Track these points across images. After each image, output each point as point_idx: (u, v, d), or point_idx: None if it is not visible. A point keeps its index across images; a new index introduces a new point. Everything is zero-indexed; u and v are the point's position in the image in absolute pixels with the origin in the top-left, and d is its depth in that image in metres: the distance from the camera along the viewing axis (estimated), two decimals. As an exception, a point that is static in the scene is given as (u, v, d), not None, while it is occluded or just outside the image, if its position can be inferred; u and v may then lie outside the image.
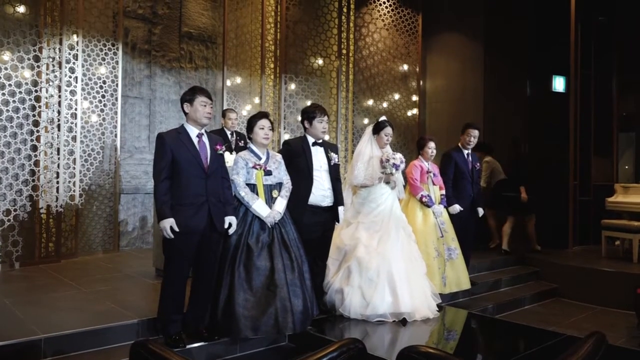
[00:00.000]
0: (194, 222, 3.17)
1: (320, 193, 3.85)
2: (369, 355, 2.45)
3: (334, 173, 3.95)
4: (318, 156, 3.89)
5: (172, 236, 3.10)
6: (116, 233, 6.13)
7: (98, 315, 3.52)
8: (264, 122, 3.60)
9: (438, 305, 4.22)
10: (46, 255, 5.35)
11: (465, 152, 5.11)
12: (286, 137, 7.38)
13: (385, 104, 8.34)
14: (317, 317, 3.82)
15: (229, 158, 4.38)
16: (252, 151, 3.62)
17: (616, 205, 6.58)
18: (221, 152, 3.37)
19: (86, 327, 3.27)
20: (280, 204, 3.57)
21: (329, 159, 3.91)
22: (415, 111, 8.57)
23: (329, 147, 3.98)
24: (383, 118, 4.43)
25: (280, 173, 3.67)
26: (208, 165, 3.24)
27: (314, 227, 3.81)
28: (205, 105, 3.25)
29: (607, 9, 8.08)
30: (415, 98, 8.57)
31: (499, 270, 6.08)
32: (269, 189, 3.57)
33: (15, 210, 5.15)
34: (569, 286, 5.85)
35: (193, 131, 3.28)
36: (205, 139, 3.31)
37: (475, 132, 5.06)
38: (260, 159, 3.58)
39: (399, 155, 4.18)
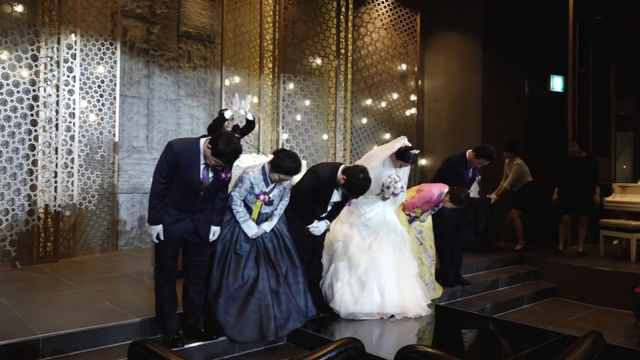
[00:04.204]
0: (173, 228, 3.22)
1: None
2: (368, 355, 2.45)
3: (340, 206, 4.00)
4: (335, 195, 3.88)
5: (157, 242, 3.21)
6: (114, 232, 6.13)
7: (96, 314, 3.51)
8: (285, 177, 3.42)
9: (429, 306, 4.26)
10: (44, 254, 5.34)
11: (469, 163, 5.07)
12: (285, 136, 7.37)
13: (383, 104, 8.34)
14: (315, 317, 3.83)
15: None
16: (264, 174, 3.48)
17: (614, 204, 6.59)
18: (226, 179, 3.30)
19: (84, 326, 3.27)
20: (269, 225, 3.62)
21: (344, 198, 3.89)
22: (413, 111, 8.58)
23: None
24: (415, 152, 4.23)
25: (281, 202, 3.66)
26: (204, 190, 3.21)
27: (307, 232, 3.88)
28: (216, 164, 3.11)
29: (605, 9, 8.09)
30: (413, 97, 8.58)
31: (497, 270, 6.08)
32: (264, 216, 3.61)
33: (13, 209, 5.14)
34: (567, 285, 5.86)
35: (203, 155, 3.19)
36: None
37: (488, 163, 5.03)
38: (268, 185, 3.51)
39: (399, 185, 4.10)
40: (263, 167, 3.50)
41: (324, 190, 3.78)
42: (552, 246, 6.68)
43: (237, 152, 3.08)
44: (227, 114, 5.25)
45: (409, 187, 4.67)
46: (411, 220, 4.66)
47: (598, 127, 8.27)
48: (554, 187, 6.62)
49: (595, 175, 6.48)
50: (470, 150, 5.06)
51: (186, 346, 3.29)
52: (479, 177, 5.24)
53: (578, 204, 6.44)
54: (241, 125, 5.70)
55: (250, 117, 5.56)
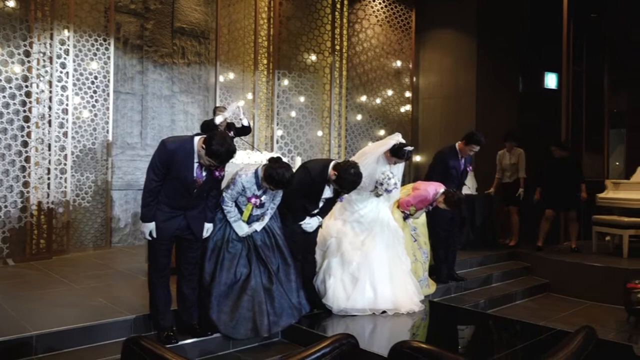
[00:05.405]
0: (165, 226, 3.21)
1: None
2: (362, 351, 2.46)
3: (331, 202, 4.01)
4: (326, 191, 3.89)
5: (150, 239, 3.21)
6: (108, 229, 6.10)
7: (90, 311, 3.51)
8: (274, 189, 3.44)
9: (423, 302, 4.28)
10: (37, 251, 5.31)
11: (460, 155, 5.09)
12: (279, 133, 7.36)
13: (378, 100, 8.34)
14: (309, 313, 3.84)
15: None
16: (257, 178, 3.47)
17: (607, 201, 6.63)
18: (220, 177, 3.30)
19: (78, 323, 3.25)
20: (260, 225, 3.63)
21: (336, 194, 3.90)
22: (408, 107, 8.59)
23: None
24: (410, 149, 4.24)
25: (272, 203, 3.65)
26: (197, 188, 3.20)
27: (299, 229, 3.89)
28: (210, 164, 3.12)
29: (599, 6, 8.12)
30: (408, 94, 8.59)
31: (490, 266, 6.12)
32: (255, 218, 3.61)
33: (5, 206, 5.11)
34: (559, 281, 5.90)
35: (197, 155, 3.19)
36: None
37: (478, 148, 5.01)
38: (260, 189, 3.50)
39: (393, 182, 4.12)
40: (256, 171, 3.48)
41: (315, 186, 3.78)
42: (545, 242, 6.71)
43: (231, 153, 3.07)
44: (218, 120, 5.29)
45: (403, 184, 4.68)
46: (405, 217, 4.68)
47: (591, 124, 8.31)
48: (535, 187, 6.64)
49: (579, 174, 6.53)
50: (460, 141, 5.08)
51: (180, 343, 3.28)
52: (470, 167, 5.25)
53: (563, 200, 6.47)
54: (237, 125, 5.72)
55: (245, 123, 5.61)
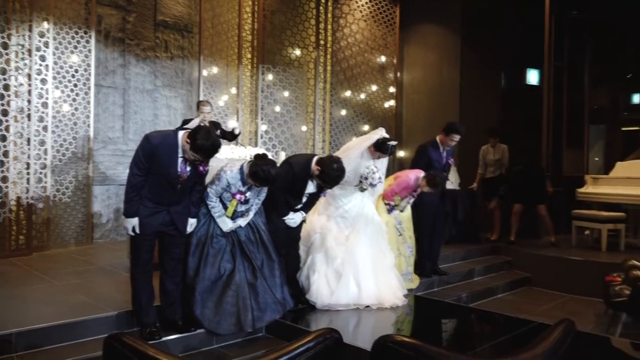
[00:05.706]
0: (149, 221, 3.19)
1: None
2: (345, 345, 2.47)
3: (315, 197, 4.00)
4: (309, 186, 3.89)
5: (133, 234, 3.19)
6: (89, 225, 6.02)
7: (71, 308, 3.46)
8: (259, 186, 3.45)
9: (406, 296, 4.31)
10: (17, 248, 5.22)
11: (442, 147, 5.14)
12: (263, 128, 7.33)
13: (362, 95, 8.35)
14: (293, 308, 3.85)
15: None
16: (242, 174, 3.46)
17: (586, 195, 6.75)
18: (204, 172, 3.28)
19: (59, 320, 3.21)
20: (244, 221, 3.62)
21: (319, 189, 3.90)
22: (392, 102, 8.61)
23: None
24: (393, 143, 4.24)
25: (257, 200, 3.64)
26: (181, 183, 3.18)
27: (283, 224, 3.89)
28: (194, 158, 3.10)
29: (581, 4, 8.23)
30: (392, 89, 8.61)
31: (472, 260, 6.18)
32: (239, 214, 3.60)
33: (-17, 202, 5.01)
34: (540, 275, 5.99)
35: (181, 149, 3.16)
36: None
37: (459, 137, 5.04)
38: (244, 185, 3.49)
39: (377, 176, 4.14)
40: (241, 168, 3.47)
41: (299, 181, 3.78)
42: (526, 236, 6.80)
43: (216, 147, 3.06)
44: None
45: (386, 178, 4.70)
46: (390, 209, 4.69)
47: (572, 120, 8.45)
48: (498, 193, 6.83)
49: (542, 175, 6.82)
50: (440, 133, 5.13)
51: (164, 339, 3.26)
52: (452, 159, 5.30)
53: (530, 195, 6.62)
54: (227, 130, 5.69)
55: (237, 132, 5.64)
